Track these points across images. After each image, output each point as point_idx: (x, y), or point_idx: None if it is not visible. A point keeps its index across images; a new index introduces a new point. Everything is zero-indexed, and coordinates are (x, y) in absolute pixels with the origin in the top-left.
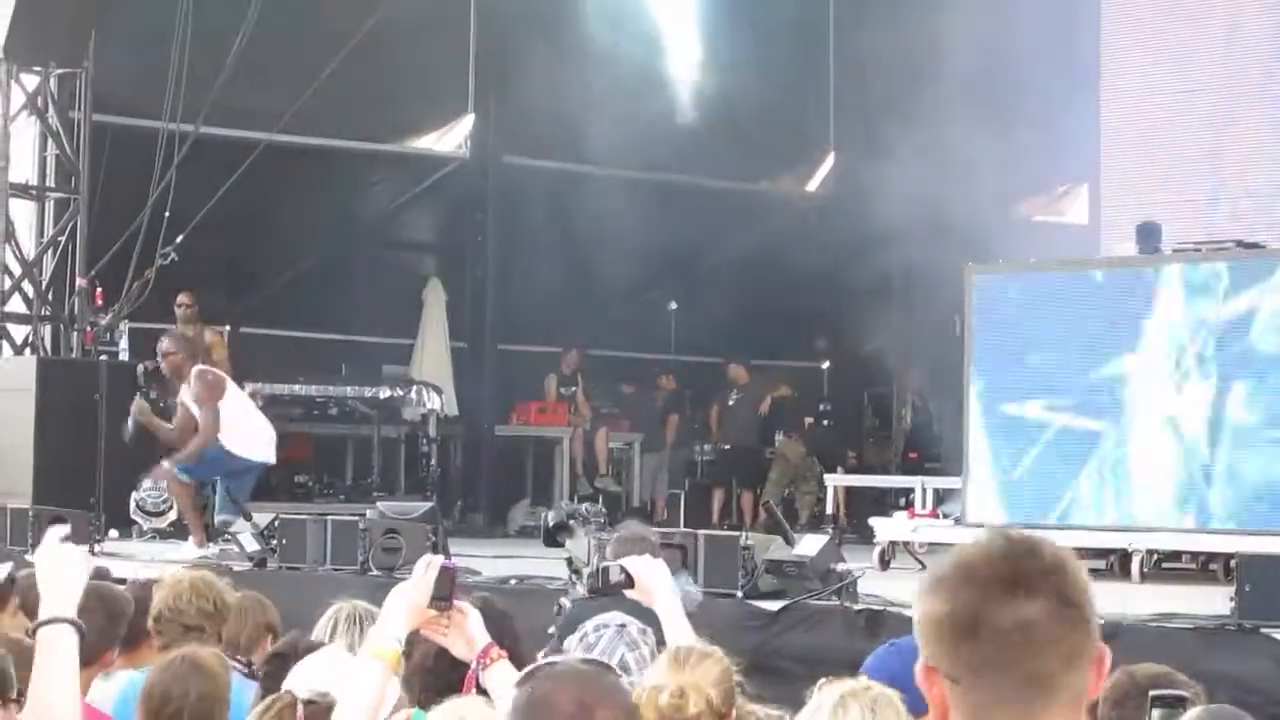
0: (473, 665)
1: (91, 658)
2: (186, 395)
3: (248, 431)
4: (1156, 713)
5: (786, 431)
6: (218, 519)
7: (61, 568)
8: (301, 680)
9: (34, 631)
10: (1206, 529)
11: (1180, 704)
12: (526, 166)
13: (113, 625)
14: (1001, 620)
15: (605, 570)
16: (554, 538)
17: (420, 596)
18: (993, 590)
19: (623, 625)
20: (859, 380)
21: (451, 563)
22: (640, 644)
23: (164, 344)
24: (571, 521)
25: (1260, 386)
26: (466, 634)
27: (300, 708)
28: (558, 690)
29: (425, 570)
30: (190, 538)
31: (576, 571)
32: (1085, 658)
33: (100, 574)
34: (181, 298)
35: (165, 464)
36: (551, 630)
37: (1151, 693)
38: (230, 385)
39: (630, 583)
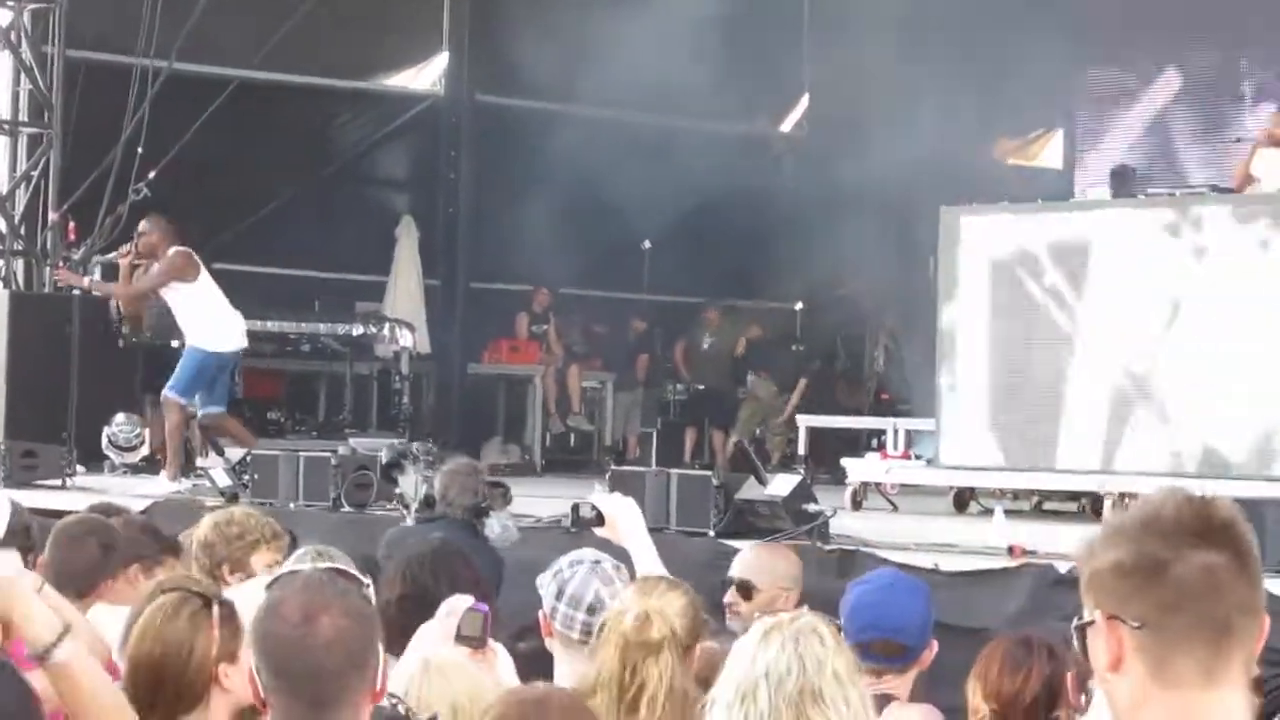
0: None
1: (86, 589)
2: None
3: (227, 323)
4: None
5: (757, 371)
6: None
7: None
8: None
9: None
10: (1183, 473)
11: None
12: (500, 105)
13: (106, 556)
14: (1189, 564)
15: (576, 507)
16: (388, 474)
17: (444, 643)
18: (1178, 538)
19: (597, 561)
20: (832, 321)
21: (484, 606)
22: (614, 579)
23: (143, 224)
24: (403, 460)
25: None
26: (495, 676)
27: (216, 609)
28: (286, 599)
29: (448, 615)
30: (164, 471)
31: (405, 505)
32: (1256, 616)
33: (106, 508)
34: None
35: (166, 392)
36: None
37: None
38: (204, 274)
39: (600, 520)
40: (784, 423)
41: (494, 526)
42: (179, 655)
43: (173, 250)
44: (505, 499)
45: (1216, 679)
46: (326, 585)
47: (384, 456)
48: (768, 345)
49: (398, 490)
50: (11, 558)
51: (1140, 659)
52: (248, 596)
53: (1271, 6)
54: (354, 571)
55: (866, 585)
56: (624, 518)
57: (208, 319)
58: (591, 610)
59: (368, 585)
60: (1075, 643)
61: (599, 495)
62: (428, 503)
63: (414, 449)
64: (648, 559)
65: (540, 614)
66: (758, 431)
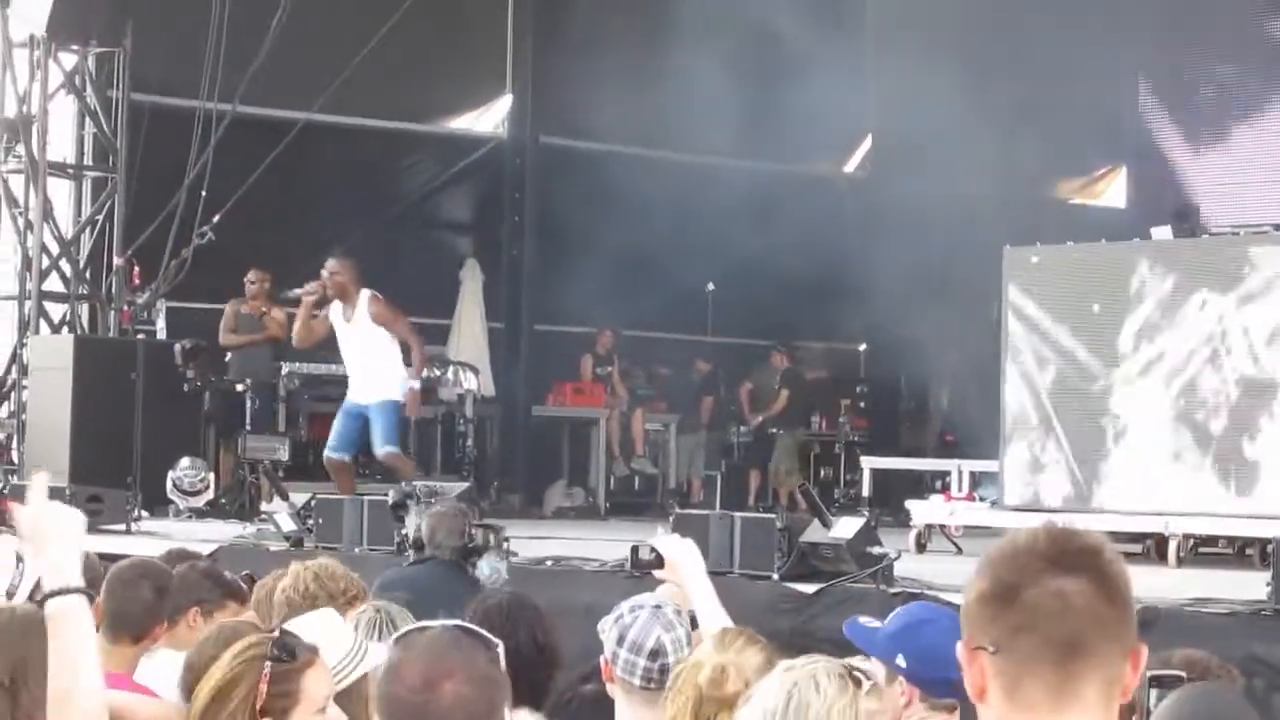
0: None
1: (141, 633)
2: (349, 317)
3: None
4: (1154, 692)
5: (824, 414)
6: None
7: (58, 527)
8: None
9: (41, 602)
10: (1244, 513)
11: (1179, 683)
12: (563, 147)
13: (159, 600)
14: (1041, 588)
15: (635, 550)
16: (396, 514)
17: None
18: (1033, 566)
19: (658, 606)
20: (896, 362)
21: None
22: (676, 625)
23: (331, 264)
24: (408, 500)
25: None
26: None
27: (269, 666)
28: (408, 661)
29: None
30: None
31: (414, 544)
32: (1121, 641)
33: (179, 555)
34: (251, 275)
35: (386, 450)
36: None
37: (1149, 673)
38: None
39: (660, 562)
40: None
41: (484, 568)
42: (238, 693)
43: (371, 293)
44: (498, 540)
45: (1065, 703)
46: (451, 648)
47: (391, 497)
48: (831, 387)
49: (402, 530)
50: (71, 508)
51: (997, 684)
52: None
53: None
54: (483, 632)
55: (937, 624)
56: (684, 561)
57: (399, 368)
58: (654, 656)
59: (498, 645)
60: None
61: (659, 538)
62: (416, 545)
63: (419, 489)
64: (708, 603)
65: (601, 659)
66: (822, 474)
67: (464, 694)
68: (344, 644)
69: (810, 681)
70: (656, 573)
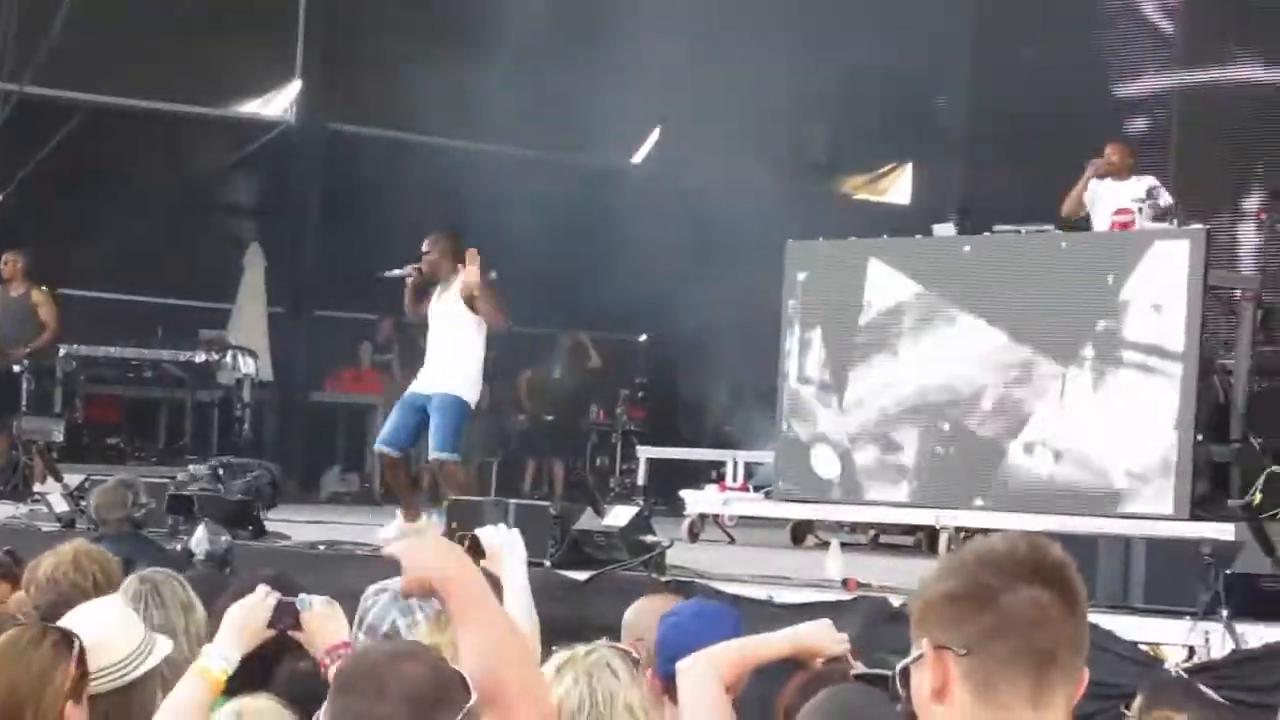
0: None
1: None
2: (441, 294)
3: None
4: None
5: (601, 404)
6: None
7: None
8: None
9: None
10: (1010, 509)
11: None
12: (352, 133)
13: None
14: (1018, 595)
15: (462, 539)
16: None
17: (258, 620)
18: (1011, 572)
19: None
20: (676, 354)
21: (294, 599)
22: (414, 610)
23: (425, 241)
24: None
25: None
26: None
27: (77, 644)
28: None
29: (265, 597)
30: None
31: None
32: (1081, 656)
33: None
34: (6, 256)
35: (439, 455)
36: None
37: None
38: None
39: (482, 552)
40: None
41: (197, 541)
42: (39, 686)
43: (471, 259)
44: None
45: (1043, 705)
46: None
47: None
48: (608, 378)
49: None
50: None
51: (966, 686)
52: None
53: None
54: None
55: (675, 617)
56: (506, 552)
57: (479, 366)
58: (387, 640)
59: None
60: (899, 685)
61: (486, 528)
62: (91, 522)
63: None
64: (520, 597)
65: (343, 641)
66: (598, 462)
67: (423, 674)
68: (130, 639)
69: (605, 669)
70: (481, 563)
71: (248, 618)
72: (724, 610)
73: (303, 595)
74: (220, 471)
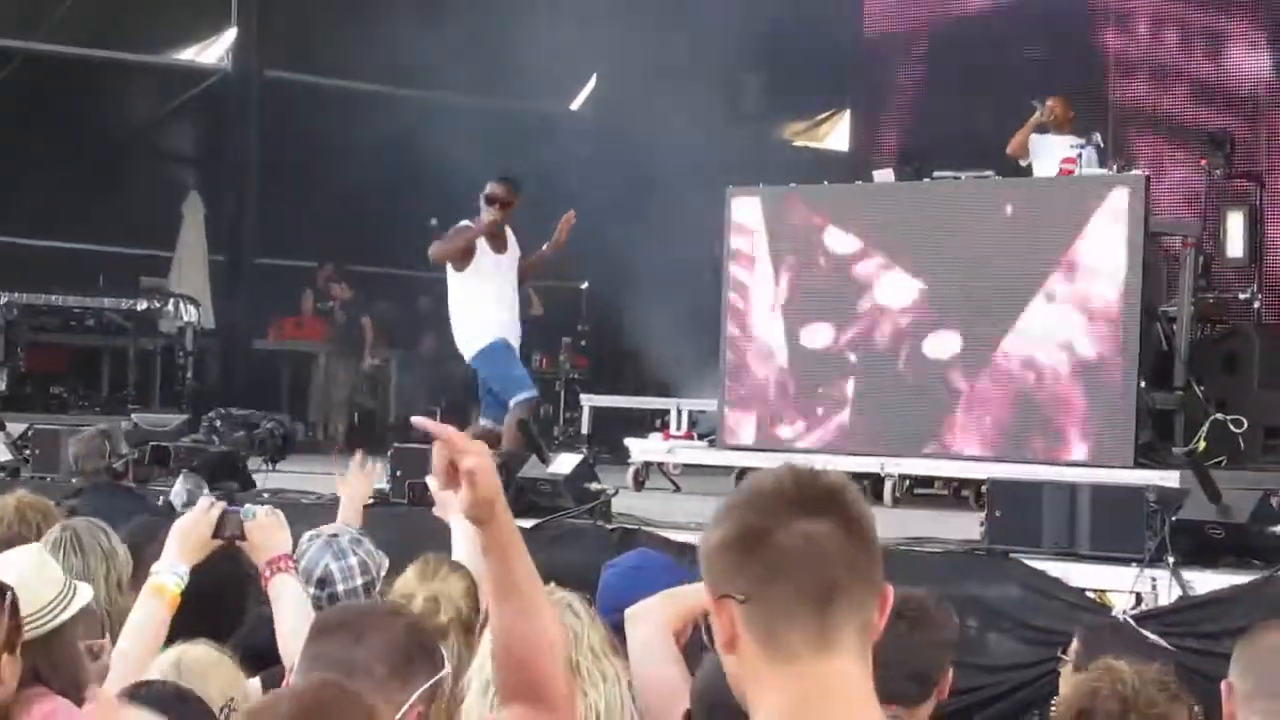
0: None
1: None
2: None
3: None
4: None
5: (544, 352)
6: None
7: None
8: None
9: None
10: (957, 457)
11: None
12: (290, 81)
13: None
14: (789, 532)
15: (424, 485)
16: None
17: (204, 531)
18: (778, 508)
19: (334, 535)
20: (618, 301)
21: (238, 509)
22: (349, 553)
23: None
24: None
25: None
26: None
27: (9, 595)
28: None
29: (209, 509)
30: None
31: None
32: (872, 582)
33: None
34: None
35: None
36: None
37: None
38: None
39: (430, 500)
40: None
41: (175, 493)
42: None
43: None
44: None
45: (829, 649)
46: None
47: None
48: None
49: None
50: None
51: (750, 634)
52: None
53: None
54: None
55: (616, 567)
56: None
57: (477, 309)
58: (321, 584)
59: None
60: (705, 639)
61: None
62: (71, 473)
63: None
64: (464, 543)
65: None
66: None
67: (400, 627)
68: (50, 586)
69: (568, 609)
70: (434, 510)
71: (193, 529)
72: (666, 563)
73: (247, 505)
74: (218, 423)
